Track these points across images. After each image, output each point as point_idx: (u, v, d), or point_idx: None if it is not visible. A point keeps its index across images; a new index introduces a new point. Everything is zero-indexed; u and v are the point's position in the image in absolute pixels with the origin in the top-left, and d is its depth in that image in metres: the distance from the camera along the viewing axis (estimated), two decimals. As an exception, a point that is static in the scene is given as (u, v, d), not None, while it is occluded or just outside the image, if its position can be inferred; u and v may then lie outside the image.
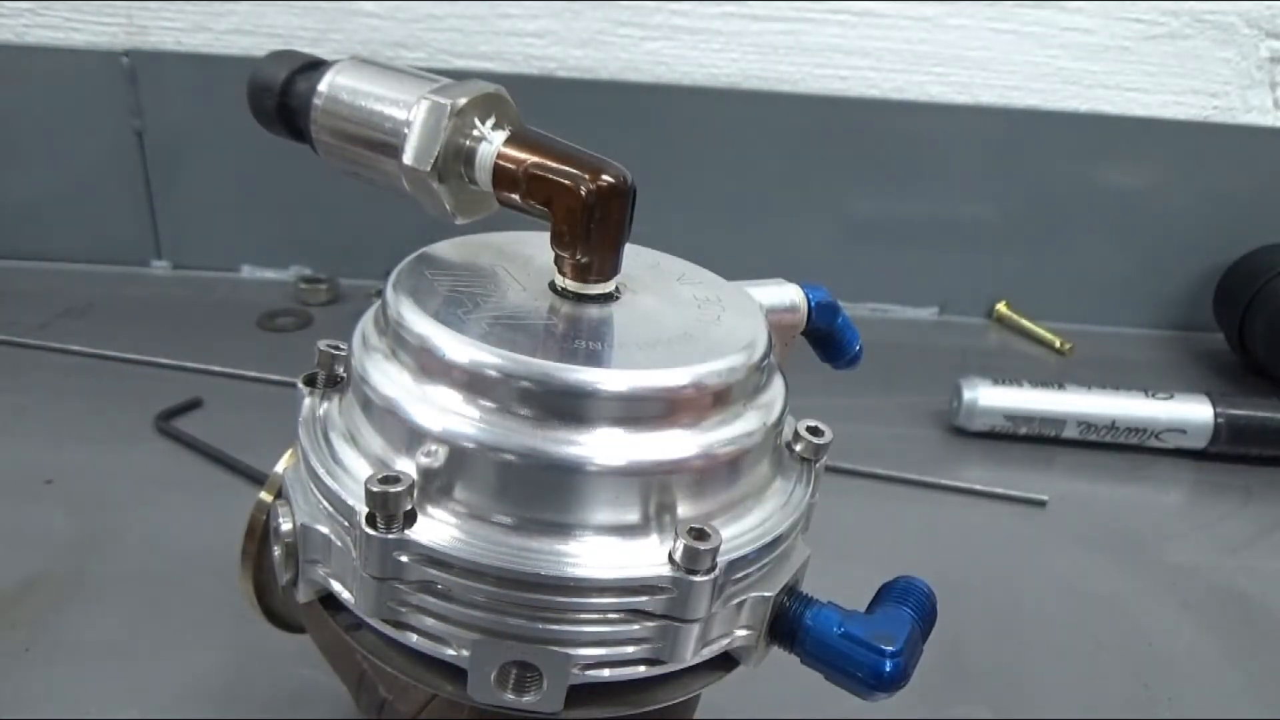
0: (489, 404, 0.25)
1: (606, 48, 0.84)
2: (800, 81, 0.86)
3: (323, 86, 0.31)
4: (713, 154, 0.87)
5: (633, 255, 0.30)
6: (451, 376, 0.26)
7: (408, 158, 0.29)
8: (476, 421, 0.25)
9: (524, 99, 0.31)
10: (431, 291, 0.29)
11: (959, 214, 0.91)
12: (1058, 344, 0.90)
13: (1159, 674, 0.51)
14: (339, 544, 0.27)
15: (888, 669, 0.26)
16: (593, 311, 0.29)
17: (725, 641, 0.28)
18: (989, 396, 0.72)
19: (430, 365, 0.26)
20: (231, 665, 0.46)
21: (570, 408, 0.25)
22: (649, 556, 0.26)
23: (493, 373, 0.25)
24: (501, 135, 0.29)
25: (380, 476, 0.25)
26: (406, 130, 0.29)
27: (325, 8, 0.81)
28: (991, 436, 0.73)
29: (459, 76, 0.31)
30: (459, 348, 0.26)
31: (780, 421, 0.29)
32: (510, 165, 0.29)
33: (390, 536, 0.25)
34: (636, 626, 0.26)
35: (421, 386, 0.26)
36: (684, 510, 0.26)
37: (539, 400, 0.25)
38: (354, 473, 0.27)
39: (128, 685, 0.44)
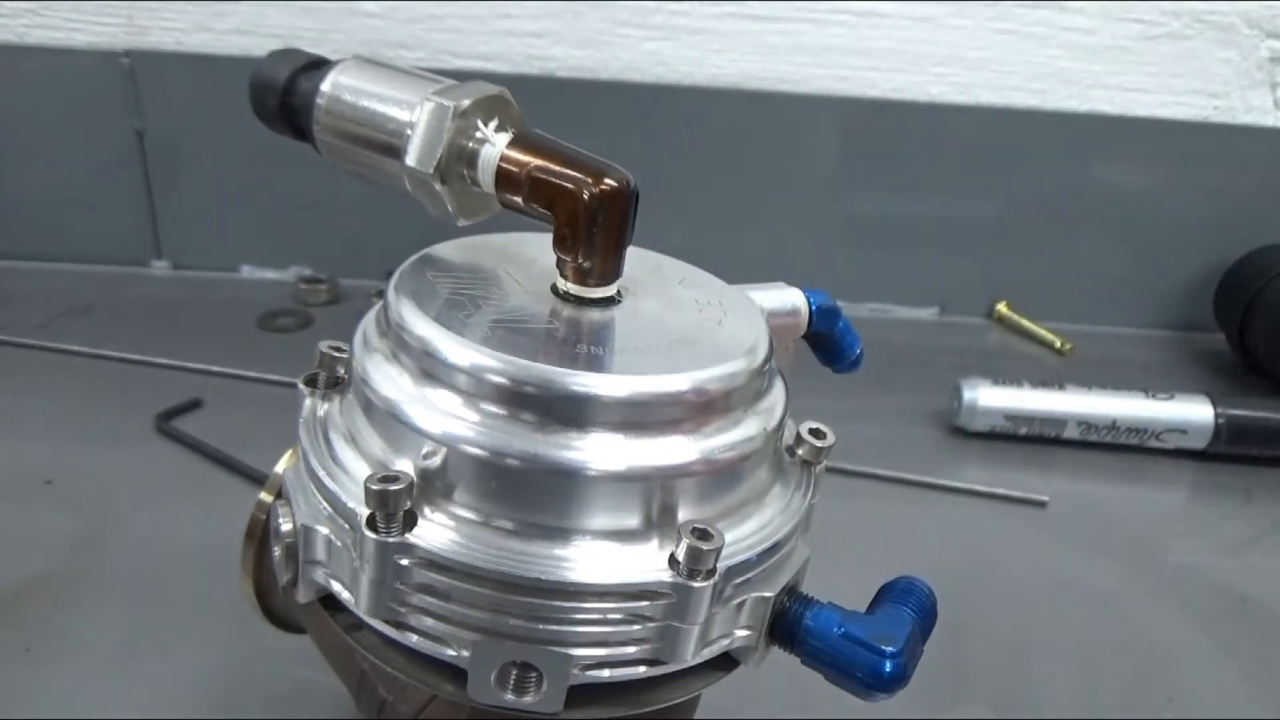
0: (489, 408, 0.25)
1: (607, 48, 0.84)
2: (800, 81, 0.86)
3: (325, 86, 0.31)
4: (713, 154, 0.87)
5: (634, 258, 0.30)
6: (452, 380, 0.26)
7: (410, 159, 0.29)
8: (476, 425, 0.25)
9: (524, 99, 0.31)
10: (433, 293, 0.29)
11: (959, 214, 0.91)
12: (1058, 344, 0.90)
13: (1159, 674, 0.51)
14: (339, 545, 0.27)
15: (887, 669, 0.26)
16: (594, 315, 0.29)
17: (725, 642, 0.28)
18: (989, 397, 0.72)
19: (431, 368, 0.26)
20: (231, 665, 0.46)
21: (571, 412, 0.25)
22: (649, 561, 0.26)
23: (493, 377, 0.25)
24: (504, 138, 0.29)
25: (380, 475, 0.25)
26: (409, 131, 0.29)
27: (325, 8, 0.81)
28: (992, 437, 0.73)
29: (459, 77, 0.31)
30: (460, 351, 0.26)
31: (781, 427, 0.29)
32: (513, 168, 0.29)
33: (390, 540, 0.25)
34: (637, 628, 0.26)
35: (422, 389, 0.26)
36: (684, 515, 0.26)
37: (539, 405, 0.25)
38: (354, 474, 0.27)
39: (128, 685, 0.44)
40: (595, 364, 0.26)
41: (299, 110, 0.32)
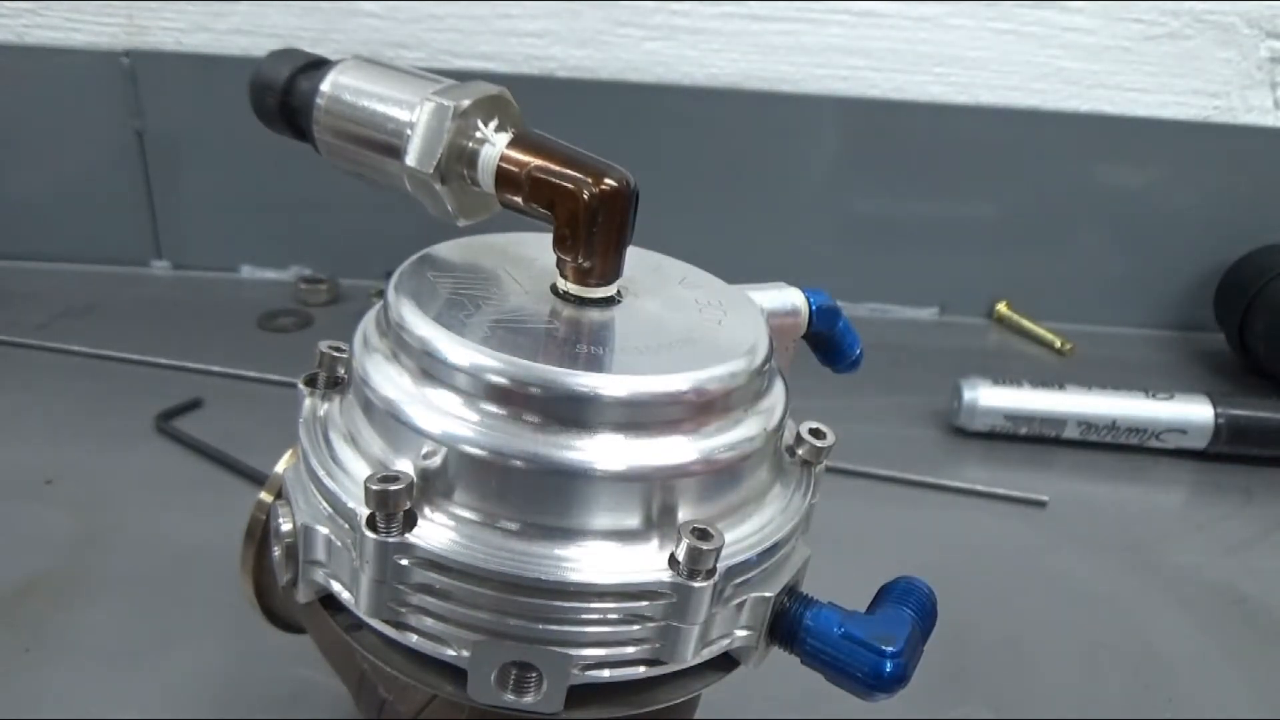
0: (489, 408, 0.25)
1: (606, 48, 0.84)
2: (800, 81, 0.86)
3: (325, 86, 0.31)
4: (713, 154, 0.87)
5: (634, 258, 0.30)
6: (452, 380, 0.26)
7: (410, 159, 0.29)
8: (476, 425, 0.25)
9: (524, 99, 0.31)
10: (433, 293, 0.29)
11: (959, 214, 0.91)
12: (1058, 344, 0.90)
13: (1159, 674, 0.51)
14: (339, 545, 0.27)
15: (888, 669, 0.26)
16: (594, 315, 0.29)
17: (725, 642, 0.28)
18: (989, 396, 0.72)
19: (431, 368, 0.26)
20: (231, 665, 0.46)
21: (571, 413, 0.25)
22: (649, 561, 0.26)
23: (493, 377, 0.25)
24: (504, 138, 0.29)
25: (380, 475, 0.25)
26: (409, 131, 0.29)
27: (325, 8, 0.81)
28: (992, 436, 0.73)
29: (459, 77, 0.31)
30: (460, 351, 0.26)
31: (781, 427, 0.29)
32: (513, 168, 0.29)
33: (390, 540, 0.25)
34: (637, 628, 0.26)
35: (422, 389, 0.26)
36: (684, 515, 0.26)
37: (539, 405, 0.25)
38: (354, 474, 0.27)
39: (128, 685, 0.44)
40: (595, 364, 0.26)
41: (299, 110, 0.32)
